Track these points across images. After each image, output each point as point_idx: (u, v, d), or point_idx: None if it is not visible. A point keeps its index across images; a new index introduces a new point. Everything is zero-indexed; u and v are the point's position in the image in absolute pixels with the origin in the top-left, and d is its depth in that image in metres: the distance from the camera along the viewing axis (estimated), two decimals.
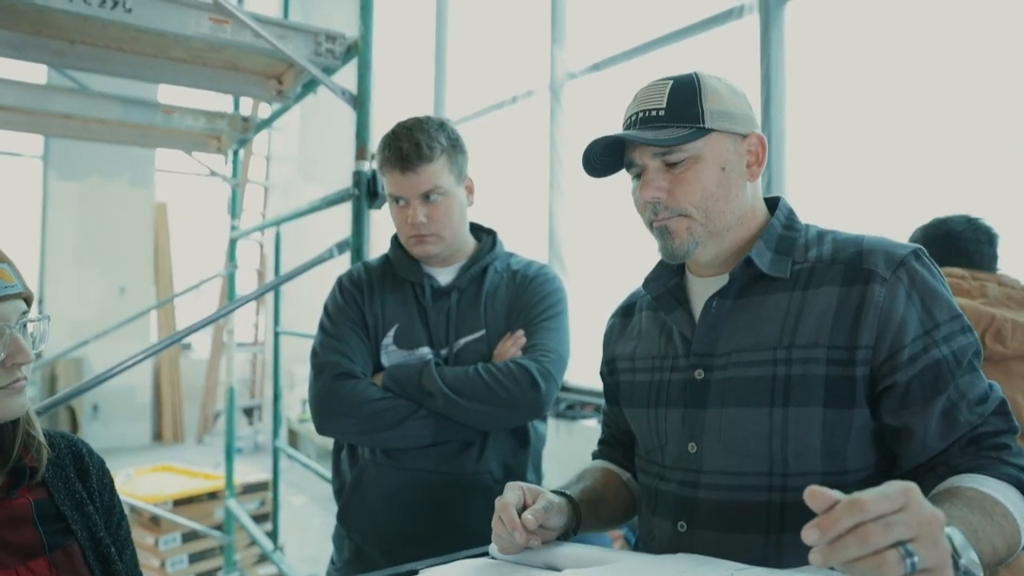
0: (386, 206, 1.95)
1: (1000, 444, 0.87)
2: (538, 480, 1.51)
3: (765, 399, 0.94)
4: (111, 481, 1.10)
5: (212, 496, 3.47)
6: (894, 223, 2.67)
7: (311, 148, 6.32)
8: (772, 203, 1.07)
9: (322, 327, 1.45)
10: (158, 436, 6.90)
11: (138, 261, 6.73)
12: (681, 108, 0.97)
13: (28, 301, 0.96)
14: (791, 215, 1.04)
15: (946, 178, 2.57)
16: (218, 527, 3.33)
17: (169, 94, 5.27)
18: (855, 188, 2.83)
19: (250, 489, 3.56)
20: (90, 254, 6.49)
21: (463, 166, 1.47)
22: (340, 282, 1.52)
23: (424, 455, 1.38)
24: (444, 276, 1.49)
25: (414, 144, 1.38)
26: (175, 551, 3.29)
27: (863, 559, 0.58)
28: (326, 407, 1.36)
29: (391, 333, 1.44)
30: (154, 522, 3.27)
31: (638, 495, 1.17)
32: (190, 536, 3.30)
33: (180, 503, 3.36)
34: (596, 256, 4.15)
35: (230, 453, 3.29)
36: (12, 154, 6.57)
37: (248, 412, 6.93)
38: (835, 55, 2.95)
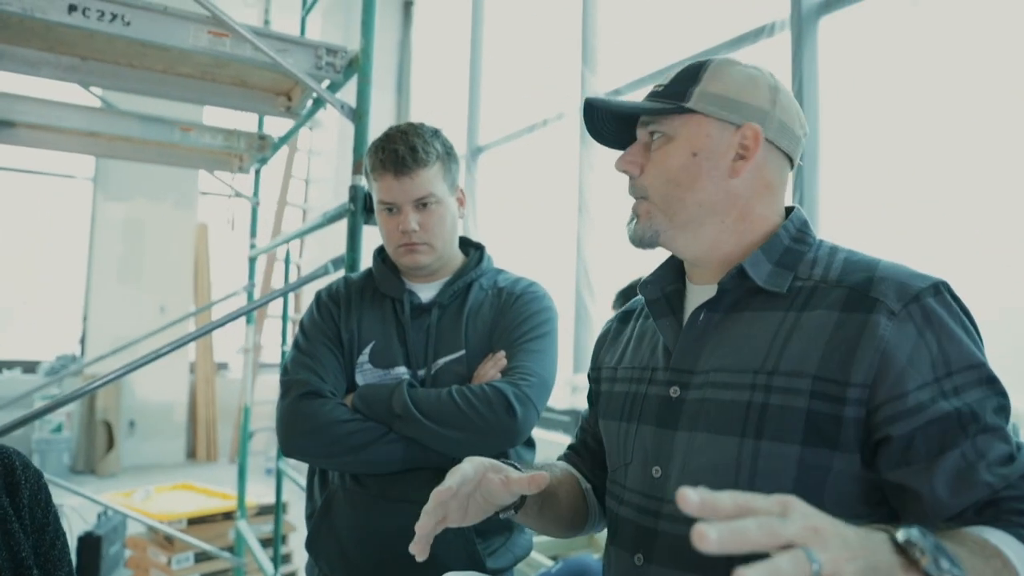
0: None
1: None
2: None
3: (736, 427, 0.82)
4: (47, 497, 1.05)
5: (227, 516, 3.44)
6: (930, 245, 2.51)
7: (344, 171, 6.38)
8: (787, 213, 0.96)
9: (296, 343, 1.39)
10: (192, 454, 6.97)
11: (178, 280, 6.86)
12: (677, 84, 0.91)
13: None
14: (804, 227, 0.92)
15: (987, 197, 2.41)
16: (230, 548, 3.29)
17: (210, 118, 5.40)
18: (891, 207, 2.68)
19: (265, 511, 3.52)
20: (133, 273, 6.65)
21: (456, 175, 1.41)
22: (318, 297, 1.45)
23: (395, 482, 1.30)
24: (426, 292, 1.41)
25: (409, 148, 1.32)
26: (187, 571, 3.26)
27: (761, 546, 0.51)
28: (290, 427, 1.29)
29: (367, 351, 1.37)
30: (168, 541, 3.26)
31: (593, 509, 1.07)
32: (203, 556, 3.26)
33: (194, 522, 3.33)
34: (625, 283, 4.05)
35: (242, 474, 3.26)
36: (66, 176, 6.81)
37: None
38: (869, 71, 2.81)
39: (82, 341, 6.62)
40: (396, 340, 1.37)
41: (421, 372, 1.35)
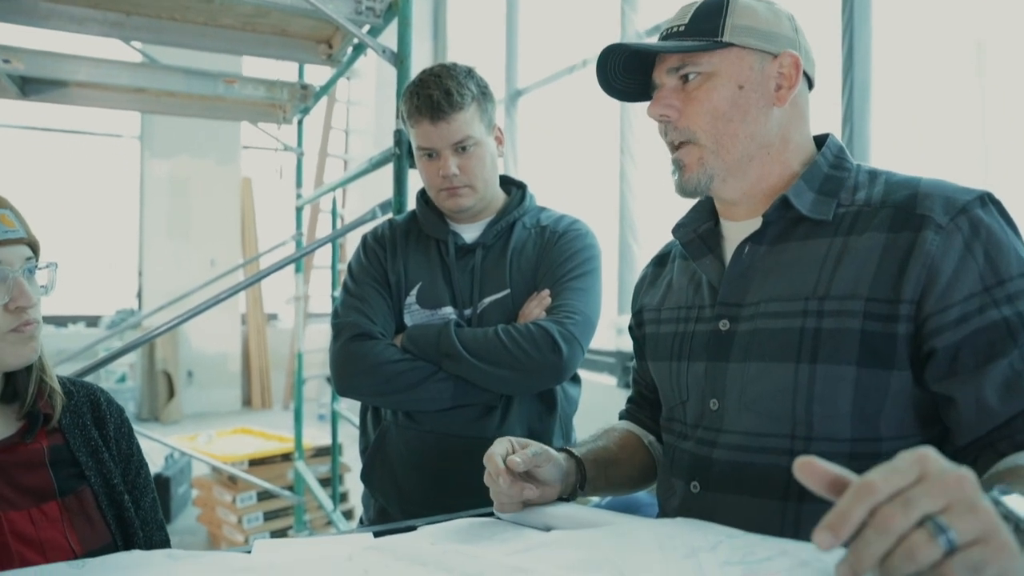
0: None
1: None
2: (566, 444, 1.45)
3: (791, 354, 0.84)
4: (130, 430, 1.12)
5: (285, 458, 3.59)
6: (984, 176, 2.43)
7: (384, 120, 6.40)
8: (821, 141, 0.95)
9: (345, 286, 1.43)
10: (248, 402, 7.23)
11: (226, 234, 7.02)
12: (702, 22, 0.88)
13: (34, 248, 0.97)
14: (841, 152, 0.92)
15: None
16: (290, 488, 3.45)
17: (249, 70, 5.43)
18: (946, 143, 2.59)
19: (320, 453, 3.67)
20: (182, 229, 6.83)
21: (492, 115, 1.40)
22: (364, 240, 1.48)
23: (445, 418, 1.34)
24: (470, 233, 1.43)
25: (444, 92, 1.31)
26: (251, 508, 3.43)
27: (891, 553, 0.47)
28: (344, 368, 1.34)
29: (414, 292, 1.40)
30: (232, 480, 3.43)
31: (659, 459, 1.09)
32: (264, 495, 3.43)
33: (255, 463, 3.49)
34: (668, 222, 4.01)
35: (299, 417, 3.39)
36: (113, 135, 6.95)
37: (330, 380, 7.15)
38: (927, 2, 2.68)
39: (139, 295, 6.86)
40: (442, 280, 1.39)
41: (467, 312, 1.37)
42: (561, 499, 0.97)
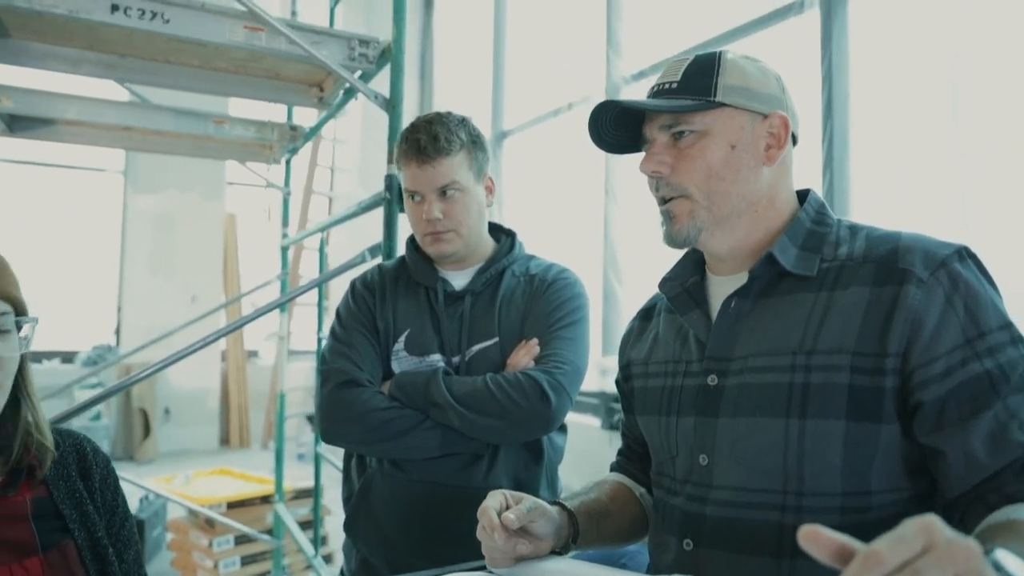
0: None
1: None
2: (552, 495, 1.43)
3: (781, 409, 0.85)
4: (115, 480, 1.10)
5: (264, 500, 3.52)
6: (963, 229, 2.49)
7: (370, 159, 6.44)
8: (803, 196, 0.98)
9: (333, 332, 1.43)
10: (225, 440, 7.10)
11: (209, 271, 6.98)
12: (695, 80, 0.90)
13: (14, 303, 0.93)
14: (822, 208, 0.95)
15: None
16: (269, 531, 3.38)
17: (236, 107, 5.46)
18: (924, 191, 2.65)
19: (301, 495, 3.60)
20: (164, 264, 6.77)
21: (483, 164, 1.43)
22: (353, 286, 1.49)
23: (432, 466, 1.33)
24: (459, 280, 1.44)
25: (432, 136, 1.34)
26: (228, 553, 3.35)
27: None
28: (331, 415, 1.33)
29: (402, 339, 1.40)
30: (209, 524, 3.35)
31: (650, 511, 1.09)
32: (242, 539, 3.35)
33: (233, 506, 3.41)
34: (652, 264, 4.05)
35: (280, 458, 3.33)
36: (97, 169, 6.92)
37: (310, 418, 7.06)
38: (903, 50, 2.78)
39: (117, 331, 6.76)
40: (430, 327, 1.40)
41: (456, 359, 1.38)
42: (554, 552, 0.96)
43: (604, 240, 4.29)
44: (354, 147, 6.78)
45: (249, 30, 1.85)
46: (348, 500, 1.44)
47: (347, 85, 2.30)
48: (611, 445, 3.47)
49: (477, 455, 1.34)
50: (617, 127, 0.97)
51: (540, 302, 1.40)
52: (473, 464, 1.34)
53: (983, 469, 0.76)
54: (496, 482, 1.34)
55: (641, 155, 0.98)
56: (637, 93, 4.17)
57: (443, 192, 1.36)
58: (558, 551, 0.97)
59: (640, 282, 3.99)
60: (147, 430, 6.45)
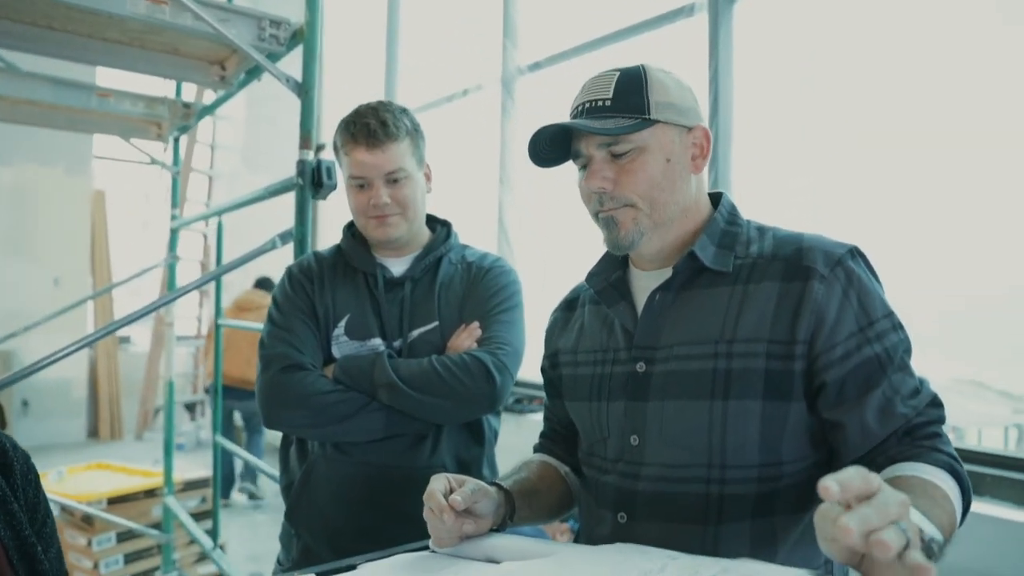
0: (331, 196, 1.92)
1: (932, 434, 0.90)
2: (493, 475, 1.49)
3: (706, 392, 0.95)
4: (36, 477, 1.05)
5: (150, 494, 3.36)
6: (835, 223, 2.75)
7: (257, 137, 6.19)
8: (715, 198, 1.08)
9: (270, 318, 1.42)
10: (94, 433, 6.66)
11: (74, 251, 6.47)
12: (627, 98, 0.97)
13: None
14: (734, 210, 1.06)
15: (891, 178, 2.66)
16: (156, 526, 3.23)
17: (109, 78, 5.08)
18: (799, 187, 2.91)
19: (191, 486, 3.46)
20: (23, 243, 6.22)
21: (423, 152, 1.46)
22: (289, 272, 1.48)
23: (376, 449, 1.36)
24: (398, 266, 1.46)
25: (380, 122, 1.36)
26: (109, 551, 3.17)
27: (878, 532, 0.58)
28: (275, 400, 1.33)
29: (342, 324, 1.41)
30: (87, 522, 3.15)
31: (576, 489, 1.17)
32: (125, 535, 3.18)
33: (115, 501, 3.23)
34: (545, 249, 4.17)
35: (168, 449, 3.20)
36: None
37: (190, 407, 6.73)
38: (783, 54, 3.01)
39: None
40: (371, 312, 1.41)
41: (396, 343, 1.40)
42: (492, 530, 1.02)
43: (499, 226, 4.37)
44: (238, 123, 6.49)
45: (153, 2, 1.77)
46: (288, 488, 1.43)
47: (251, 65, 2.22)
48: (507, 427, 3.57)
49: (421, 436, 1.37)
50: (553, 145, 1.02)
51: (479, 288, 1.44)
52: (417, 445, 1.37)
53: (874, 437, 0.91)
54: (439, 462, 1.37)
55: (567, 165, 1.04)
56: (533, 84, 4.26)
57: (391, 178, 1.38)
58: (496, 528, 1.03)
59: (535, 268, 4.10)
60: (2, 423, 5.92)
